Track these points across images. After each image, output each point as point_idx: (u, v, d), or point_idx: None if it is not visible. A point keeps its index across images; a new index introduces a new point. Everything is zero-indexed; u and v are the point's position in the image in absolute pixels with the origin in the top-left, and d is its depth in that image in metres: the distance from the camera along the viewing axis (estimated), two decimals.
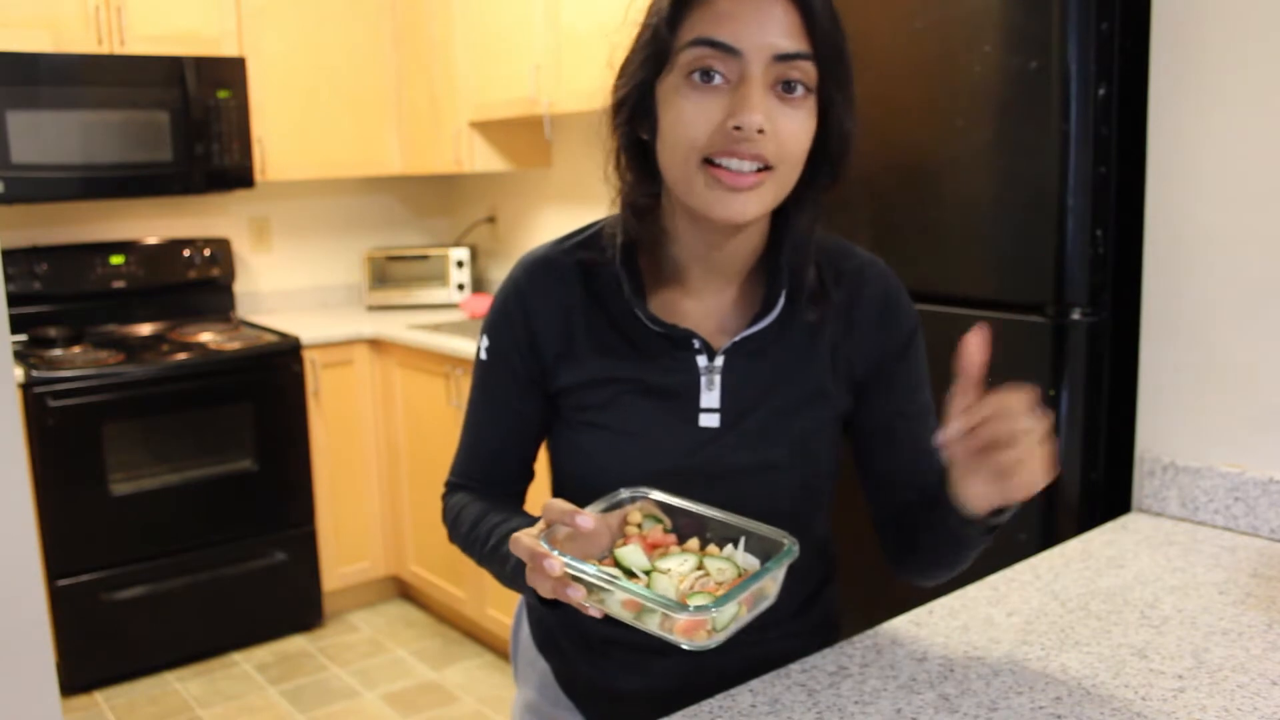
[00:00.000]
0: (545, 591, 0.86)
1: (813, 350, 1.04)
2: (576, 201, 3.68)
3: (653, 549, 0.90)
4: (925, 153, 1.68)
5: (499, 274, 4.10)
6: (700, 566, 0.88)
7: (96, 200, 3.49)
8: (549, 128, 3.30)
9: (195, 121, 3.33)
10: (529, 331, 1.06)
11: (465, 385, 3.01)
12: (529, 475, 1.14)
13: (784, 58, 0.90)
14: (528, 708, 1.21)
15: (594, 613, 0.85)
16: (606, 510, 0.92)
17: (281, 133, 3.56)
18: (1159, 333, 1.52)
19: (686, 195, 0.95)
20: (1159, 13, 1.47)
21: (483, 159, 3.55)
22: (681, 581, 0.86)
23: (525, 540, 0.86)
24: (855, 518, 1.14)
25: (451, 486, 1.15)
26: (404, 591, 3.78)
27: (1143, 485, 1.54)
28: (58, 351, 3.23)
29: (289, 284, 4.01)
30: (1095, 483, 1.58)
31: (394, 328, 3.48)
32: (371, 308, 3.98)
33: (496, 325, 1.08)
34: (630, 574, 0.87)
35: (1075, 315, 1.54)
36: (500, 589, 3.12)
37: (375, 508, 3.63)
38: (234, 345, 3.33)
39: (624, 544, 0.90)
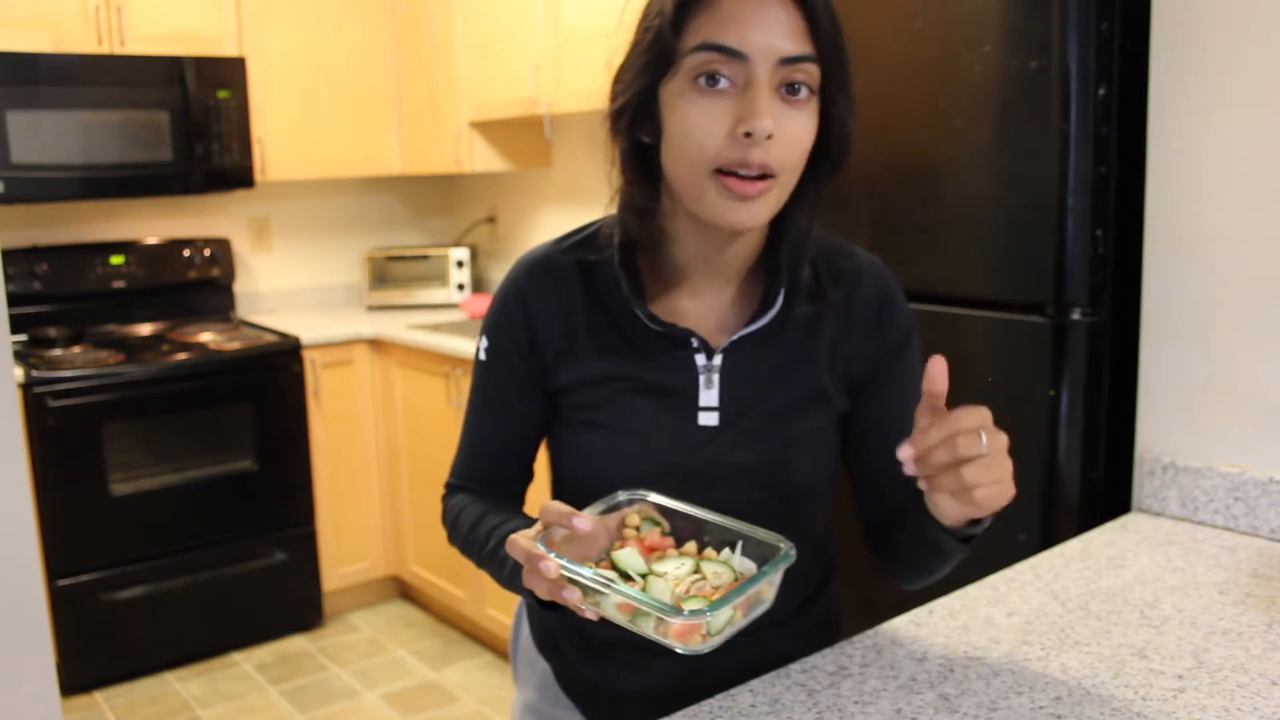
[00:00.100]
0: (542, 593, 0.85)
1: (811, 350, 1.04)
2: (576, 201, 3.68)
3: (650, 552, 0.90)
4: (925, 153, 1.68)
5: (499, 274, 4.10)
6: (697, 570, 0.88)
7: (96, 200, 3.49)
8: (549, 128, 3.30)
9: (195, 121, 3.33)
10: (529, 331, 1.06)
11: (465, 385, 3.01)
12: (529, 476, 1.14)
13: (789, 60, 0.90)
14: (527, 708, 1.21)
15: (590, 615, 0.85)
16: (604, 513, 0.92)
17: (281, 133, 3.56)
18: (1159, 333, 1.52)
19: (696, 203, 0.95)
20: (1159, 13, 1.47)
21: (483, 159, 3.55)
22: (677, 585, 0.85)
23: (522, 542, 0.86)
24: (855, 517, 1.14)
25: (451, 488, 1.15)
26: (404, 591, 3.79)
27: (1143, 485, 1.54)
28: (58, 351, 3.23)
29: (289, 284, 4.01)
30: (1095, 483, 1.58)
31: (394, 328, 3.48)
32: (371, 308, 3.98)
33: (496, 325, 1.08)
34: (626, 577, 0.87)
35: (1075, 315, 1.54)
36: (500, 589, 3.12)
37: (375, 508, 3.63)
38: (234, 345, 3.33)
39: (621, 547, 0.90)
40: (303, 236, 4.03)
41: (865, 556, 1.12)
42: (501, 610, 3.17)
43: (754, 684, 1.02)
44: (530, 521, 0.96)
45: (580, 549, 0.88)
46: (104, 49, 3.20)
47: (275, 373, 3.33)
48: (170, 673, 3.23)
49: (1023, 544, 1.55)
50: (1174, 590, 1.24)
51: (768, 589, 0.87)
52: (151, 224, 3.67)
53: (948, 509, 0.88)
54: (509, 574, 0.97)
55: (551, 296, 1.05)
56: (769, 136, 0.89)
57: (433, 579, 3.48)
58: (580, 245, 1.07)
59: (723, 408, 1.02)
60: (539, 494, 1.01)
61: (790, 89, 0.91)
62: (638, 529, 0.92)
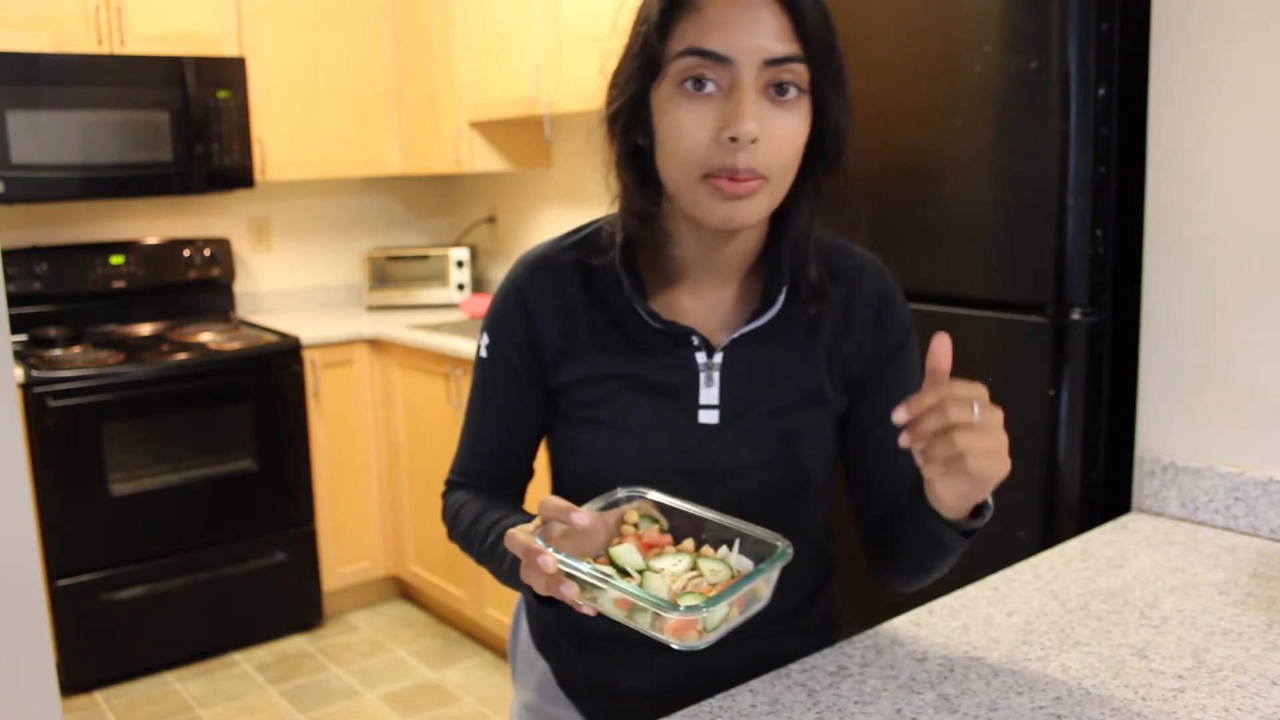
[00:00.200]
0: (539, 588, 0.86)
1: (811, 349, 1.04)
2: (576, 201, 3.68)
3: (648, 548, 0.90)
4: (925, 153, 1.68)
5: (499, 274, 4.10)
6: (694, 567, 0.88)
7: (96, 200, 3.49)
8: (549, 128, 3.30)
9: (195, 121, 3.33)
10: (529, 330, 1.06)
11: (465, 385, 3.01)
12: (529, 473, 1.15)
13: (775, 61, 0.90)
14: (526, 708, 1.21)
15: (587, 610, 0.85)
16: (603, 509, 0.93)
17: (281, 133, 3.56)
18: (1159, 333, 1.51)
19: (690, 206, 0.95)
20: (1159, 13, 1.47)
21: (483, 159, 3.55)
22: (674, 581, 0.86)
23: (520, 537, 0.86)
24: (853, 517, 1.14)
25: (451, 484, 1.15)
26: (404, 591, 3.78)
27: (1143, 485, 1.54)
28: (58, 351, 3.23)
29: (289, 284, 4.01)
30: (1095, 483, 1.58)
31: (394, 328, 3.48)
32: (371, 308, 3.98)
33: (496, 324, 1.08)
34: (624, 573, 0.87)
35: (1075, 315, 1.54)
36: (500, 589, 3.13)
37: (375, 508, 3.63)
38: (234, 345, 3.33)
39: (619, 543, 0.90)
40: (303, 236, 4.03)
41: (865, 556, 1.12)
42: (501, 610, 3.17)
43: (754, 684, 1.02)
44: (530, 517, 0.97)
45: (578, 544, 0.89)
46: (104, 49, 3.21)
47: (275, 373, 3.33)
48: (170, 673, 3.23)
49: (1023, 544, 1.55)
50: (1174, 590, 1.24)
51: (764, 586, 0.87)
52: (151, 224, 3.67)
53: (946, 491, 0.88)
54: (508, 569, 0.98)
55: (551, 296, 1.06)
56: (754, 140, 0.90)
57: (433, 579, 3.48)
58: (581, 244, 1.07)
59: (723, 406, 1.02)
60: (539, 491, 1.01)
61: (779, 89, 0.92)
62: (636, 525, 0.93)
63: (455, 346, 3.13)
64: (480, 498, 1.09)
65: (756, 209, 0.94)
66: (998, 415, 0.84)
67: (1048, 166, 1.51)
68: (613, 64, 0.99)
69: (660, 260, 1.05)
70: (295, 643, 3.44)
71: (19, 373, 2.91)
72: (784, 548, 0.87)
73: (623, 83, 0.97)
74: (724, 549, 0.91)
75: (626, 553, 0.88)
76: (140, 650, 3.18)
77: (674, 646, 0.83)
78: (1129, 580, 1.27)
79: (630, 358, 1.03)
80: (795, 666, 1.05)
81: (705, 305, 1.04)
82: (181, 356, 3.22)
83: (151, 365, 3.15)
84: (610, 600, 0.84)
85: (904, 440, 0.85)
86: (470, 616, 3.34)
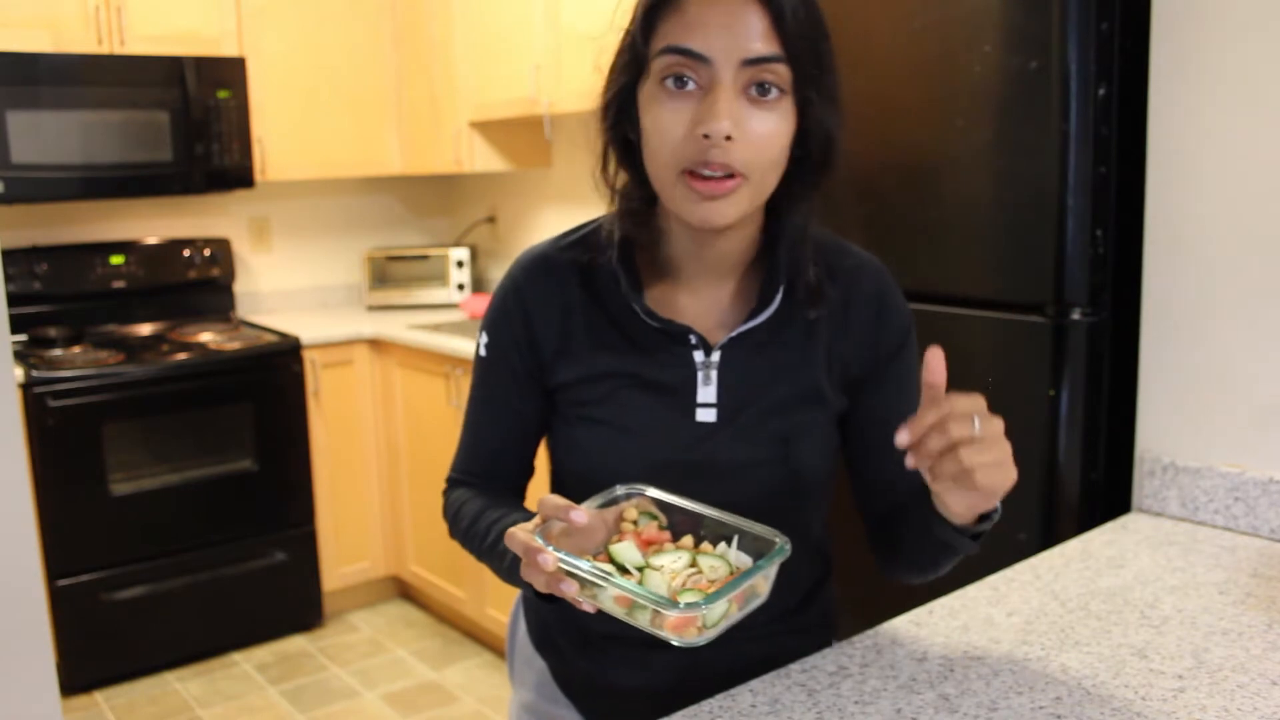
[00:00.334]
0: (539, 586, 0.86)
1: (809, 349, 1.04)
2: (576, 201, 3.68)
3: (647, 546, 0.90)
4: (925, 153, 1.68)
5: (499, 274, 4.09)
6: (693, 564, 0.89)
7: (96, 200, 3.49)
8: (549, 128, 3.30)
9: (195, 121, 3.33)
10: (528, 329, 1.06)
11: (465, 385, 3.00)
12: (529, 472, 1.15)
13: (754, 61, 0.91)
14: (525, 708, 1.21)
15: (587, 608, 0.85)
16: (602, 507, 0.93)
17: (281, 133, 3.56)
18: (1159, 333, 1.51)
19: (670, 203, 0.97)
20: (1159, 13, 1.47)
21: (483, 159, 3.55)
22: (673, 578, 0.86)
23: (520, 535, 0.86)
24: (854, 517, 1.14)
25: (452, 482, 1.15)
26: (404, 591, 3.78)
27: (1143, 485, 1.54)
28: (58, 351, 3.23)
29: (289, 284, 4.01)
30: (1095, 483, 1.58)
31: (394, 328, 3.48)
32: (371, 308, 3.98)
33: (496, 323, 1.09)
34: (624, 570, 0.87)
35: (1075, 315, 1.54)
36: (500, 589, 3.13)
37: (375, 508, 3.63)
38: (234, 345, 3.33)
39: (618, 540, 0.90)
40: (303, 236, 4.03)
41: (863, 556, 1.12)
42: (501, 610, 3.17)
43: (754, 684, 1.02)
44: (530, 515, 0.97)
45: (578, 542, 0.89)
46: (104, 49, 3.21)
47: (275, 373, 3.33)
48: (170, 673, 3.23)
49: (1023, 544, 1.55)
50: (1174, 590, 1.24)
51: (763, 583, 0.87)
52: (151, 224, 3.67)
53: (955, 502, 0.88)
54: (508, 567, 0.98)
55: (550, 295, 1.06)
56: (728, 138, 0.90)
57: (433, 579, 3.47)
58: (579, 243, 1.08)
59: (720, 404, 1.02)
60: (539, 489, 1.01)
61: (760, 89, 0.92)
62: (635, 523, 0.93)
63: (455, 346, 3.13)
64: (481, 496, 1.09)
65: (733, 209, 0.94)
66: (999, 425, 0.84)
67: (1048, 166, 1.51)
68: (608, 61, 1.01)
69: (657, 258, 1.05)
70: (295, 643, 3.44)
71: (19, 373, 2.91)
72: (782, 544, 0.87)
73: (613, 79, 0.99)
74: (723, 545, 0.91)
75: (626, 550, 0.89)
76: (140, 650, 3.18)
77: (674, 643, 0.83)
78: (1129, 580, 1.27)
79: (628, 356, 1.03)
80: (795, 666, 1.05)
81: (703, 304, 1.05)
82: (181, 356, 3.22)
83: (151, 365, 3.15)
84: (610, 597, 0.84)
85: (910, 462, 0.85)
86: (470, 616, 3.34)
